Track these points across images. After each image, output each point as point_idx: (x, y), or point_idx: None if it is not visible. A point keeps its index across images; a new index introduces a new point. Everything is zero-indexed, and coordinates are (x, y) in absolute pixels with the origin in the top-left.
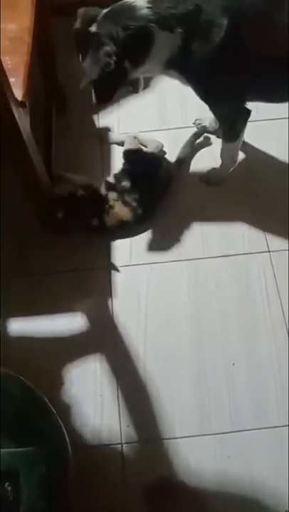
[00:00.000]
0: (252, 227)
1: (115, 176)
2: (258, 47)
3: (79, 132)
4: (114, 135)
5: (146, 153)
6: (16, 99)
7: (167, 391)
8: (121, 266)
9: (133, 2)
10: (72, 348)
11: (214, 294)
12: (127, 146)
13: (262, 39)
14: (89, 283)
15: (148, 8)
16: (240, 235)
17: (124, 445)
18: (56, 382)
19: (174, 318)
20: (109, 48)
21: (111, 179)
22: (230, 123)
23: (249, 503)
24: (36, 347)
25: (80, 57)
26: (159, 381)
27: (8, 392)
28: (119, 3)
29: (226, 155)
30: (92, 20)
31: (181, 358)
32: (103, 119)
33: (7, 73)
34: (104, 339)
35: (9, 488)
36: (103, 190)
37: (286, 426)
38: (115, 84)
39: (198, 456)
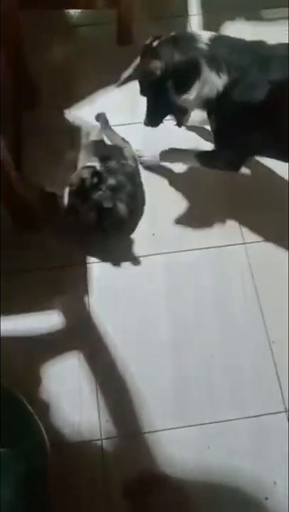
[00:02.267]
0: (227, 220)
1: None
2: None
3: (51, 128)
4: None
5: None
6: None
7: (146, 385)
8: (97, 262)
9: (198, 34)
10: (50, 345)
11: (191, 287)
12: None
13: None
14: (64, 280)
15: (207, 44)
16: (216, 228)
17: (104, 440)
18: (34, 381)
19: (152, 312)
20: (159, 63)
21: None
22: (230, 166)
23: (230, 492)
24: (13, 346)
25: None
26: (137, 375)
27: None
28: (188, 31)
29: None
30: (154, 39)
31: (160, 352)
32: (74, 114)
33: None
34: (82, 336)
35: None
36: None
37: (265, 415)
38: (155, 103)
39: (179, 448)
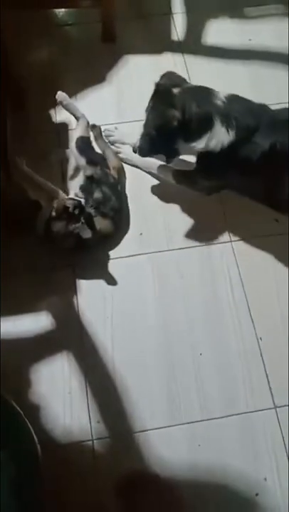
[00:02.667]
0: (214, 219)
1: (82, 188)
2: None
3: (37, 129)
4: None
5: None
6: None
7: (136, 385)
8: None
9: (216, 92)
10: (39, 347)
11: (179, 286)
12: (79, 133)
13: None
14: (53, 282)
15: (223, 102)
16: (203, 226)
17: (95, 441)
18: (24, 384)
19: (140, 312)
20: (177, 113)
21: (79, 194)
22: (202, 190)
23: (221, 488)
24: (2, 348)
25: (151, 103)
26: (127, 375)
27: None
28: (206, 87)
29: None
30: (174, 85)
31: (149, 351)
32: (61, 114)
33: None
34: (71, 337)
35: None
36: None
37: (254, 411)
38: (158, 142)
39: (169, 446)
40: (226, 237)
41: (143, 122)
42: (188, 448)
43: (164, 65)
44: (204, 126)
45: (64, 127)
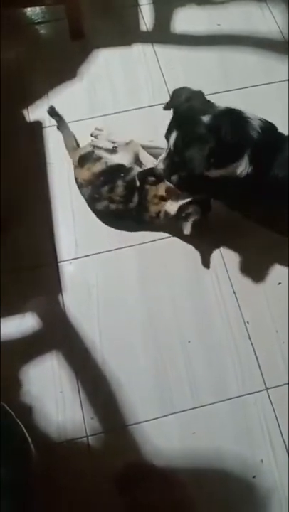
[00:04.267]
0: None
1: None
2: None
3: (7, 129)
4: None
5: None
6: None
7: (127, 378)
8: (67, 260)
9: (252, 118)
10: (27, 348)
11: (163, 276)
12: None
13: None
14: (36, 281)
15: (258, 133)
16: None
17: (89, 437)
18: (14, 385)
19: (126, 304)
20: (212, 144)
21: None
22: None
23: (219, 474)
24: None
25: (175, 129)
26: (117, 369)
27: None
28: (238, 111)
29: None
30: (201, 110)
31: (137, 343)
32: (33, 113)
33: None
34: (59, 335)
35: None
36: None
37: (246, 395)
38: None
39: (164, 436)
40: None
41: (167, 146)
42: (182, 436)
43: (135, 56)
44: (234, 157)
45: (38, 125)
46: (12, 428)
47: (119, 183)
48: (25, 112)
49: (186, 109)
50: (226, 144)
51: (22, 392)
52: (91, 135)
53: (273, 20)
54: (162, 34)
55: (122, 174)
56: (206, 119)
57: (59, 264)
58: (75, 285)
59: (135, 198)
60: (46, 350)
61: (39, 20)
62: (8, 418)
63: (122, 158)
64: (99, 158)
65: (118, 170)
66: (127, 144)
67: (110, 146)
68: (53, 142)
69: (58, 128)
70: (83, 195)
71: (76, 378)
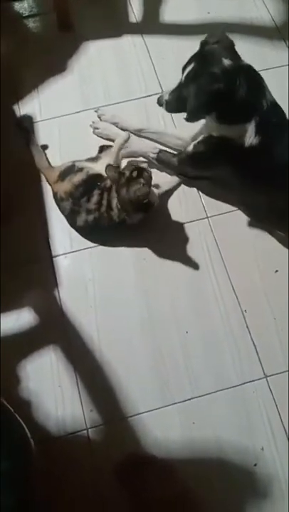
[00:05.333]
0: (188, 197)
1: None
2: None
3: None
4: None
5: None
6: None
7: (125, 369)
8: (62, 254)
9: (266, 88)
10: (24, 343)
11: (160, 267)
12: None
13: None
14: (32, 276)
15: (267, 105)
16: (178, 204)
17: (89, 430)
18: (13, 380)
19: (123, 297)
20: (223, 87)
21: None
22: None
23: (220, 463)
24: None
25: (195, 63)
26: (115, 361)
27: None
28: (259, 74)
29: None
30: (225, 54)
31: (135, 335)
32: (24, 107)
33: None
34: (56, 329)
35: None
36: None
37: (245, 383)
38: (192, 107)
39: (164, 427)
40: (202, 213)
41: (181, 77)
42: (182, 427)
43: (125, 47)
44: (241, 117)
45: (29, 120)
46: (11, 423)
47: (95, 191)
48: (16, 106)
49: (212, 47)
50: (235, 96)
51: (20, 387)
52: (99, 116)
53: (264, 7)
54: (152, 24)
55: (99, 183)
56: (227, 62)
57: (54, 258)
58: (71, 279)
59: (104, 201)
60: (44, 344)
61: (27, 14)
62: (7, 413)
63: (102, 167)
64: (81, 169)
65: (96, 178)
66: (110, 150)
67: (113, 128)
68: (45, 137)
69: (28, 145)
70: (64, 210)
71: (74, 372)
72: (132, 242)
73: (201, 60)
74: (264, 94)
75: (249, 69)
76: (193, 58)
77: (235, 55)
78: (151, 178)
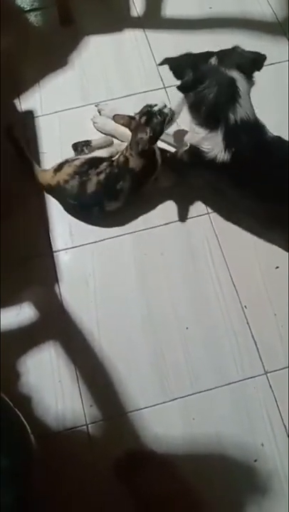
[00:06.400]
0: (189, 194)
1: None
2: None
3: None
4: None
5: None
6: None
7: (125, 365)
8: (63, 249)
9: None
10: (24, 338)
11: (160, 264)
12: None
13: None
14: (32, 271)
15: (235, 122)
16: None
17: (89, 425)
18: (13, 376)
19: (124, 292)
20: (190, 78)
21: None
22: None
23: (220, 459)
24: None
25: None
26: (115, 357)
27: None
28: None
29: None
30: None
31: (135, 330)
32: (25, 102)
33: None
34: (56, 325)
35: None
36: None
37: (246, 379)
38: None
39: (164, 423)
40: (203, 209)
41: None
42: (182, 423)
43: (126, 42)
44: (208, 121)
45: (29, 115)
46: (11, 418)
47: (104, 164)
48: (16, 101)
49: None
50: (202, 95)
51: (20, 382)
52: (99, 110)
53: (266, 2)
54: (154, 19)
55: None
56: (213, 61)
57: (55, 253)
58: (71, 274)
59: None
60: (44, 340)
61: (28, 8)
62: (7, 409)
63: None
64: (76, 159)
65: (99, 158)
66: (91, 147)
67: (112, 123)
68: (45, 131)
69: (18, 155)
70: (71, 189)
71: (74, 367)
72: (143, 208)
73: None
74: (234, 107)
75: (229, 79)
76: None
77: (235, 67)
78: (163, 122)
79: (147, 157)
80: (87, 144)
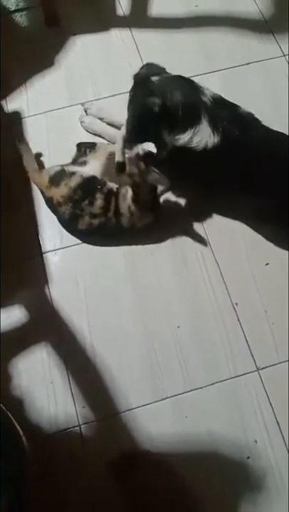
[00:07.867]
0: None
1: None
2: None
3: None
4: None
5: None
6: None
7: (117, 365)
8: (52, 250)
9: (202, 87)
10: (15, 341)
11: (151, 263)
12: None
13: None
14: (22, 272)
15: (210, 101)
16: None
17: (82, 426)
18: (4, 378)
19: (114, 292)
20: (158, 100)
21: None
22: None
23: (213, 456)
24: None
25: (131, 95)
26: (107, 357)
27: None
28: (189, 78)
29: None
30: (153, 73)
31: (126, 330)
32: (12, 103)
33: None
34: (47, 326)
35: None
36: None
37: (237, 376)
38: (148, 135)
39: (157, 422)
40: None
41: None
42: (175, 421)
43: (112, 42)
44: (190, 119)
45: (17, 116)
46: (3, 422)
47: (98, 195)
48: (3, 102)
49: (140, 73)
50: (177, 102)
51: (12, 384)
52: (85, 110)
53: (252, 0)
54: (140, 18)
55: (99, 186)
56: (154, 78)
57: (44, 255)
58: (61, 275)
59: (112, 206)
60: (35, 341)
61: (14, 9)
62: None
63: (94, 169)
64: (73, 173)
65: (94, 181)
66: (95, 151)
67: (99, 123)
68: (33, 132)
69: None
70: (62, 214)
71: (66, 368)
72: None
73: (135, 89)
74: (201, 91)
75: (176, 77)
76: (130, 91)
77: (162, 70)
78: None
79: (155, 211)
80: (92, 146)
